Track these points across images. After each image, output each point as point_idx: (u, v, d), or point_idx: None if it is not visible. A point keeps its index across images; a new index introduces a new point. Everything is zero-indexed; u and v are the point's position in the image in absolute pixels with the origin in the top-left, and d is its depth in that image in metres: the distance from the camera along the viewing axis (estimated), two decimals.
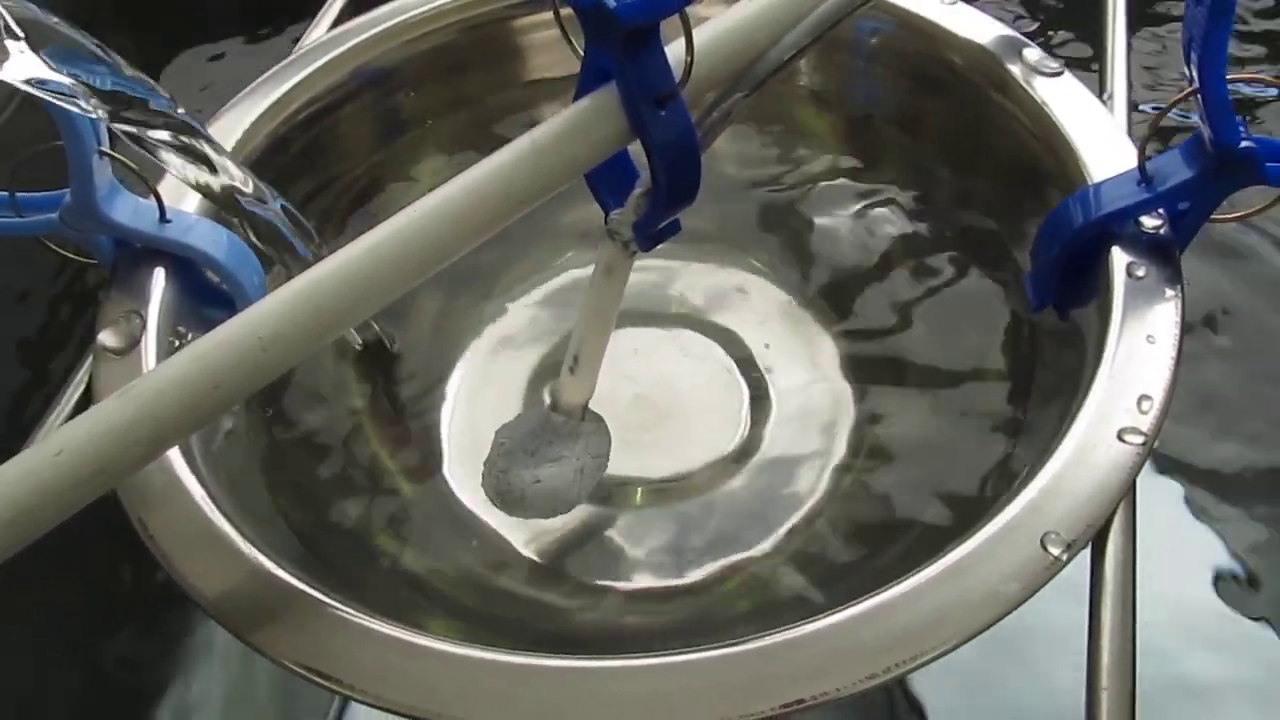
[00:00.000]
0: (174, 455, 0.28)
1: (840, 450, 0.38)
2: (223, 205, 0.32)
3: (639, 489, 0.38)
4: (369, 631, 0.25)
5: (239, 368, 0.25)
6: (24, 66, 0.25)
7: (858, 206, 0.43)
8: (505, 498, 0.36)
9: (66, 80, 0.26)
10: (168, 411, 0.24)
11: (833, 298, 0.42)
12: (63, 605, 0.47)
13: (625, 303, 0.33)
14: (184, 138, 0.30)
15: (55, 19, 0.27)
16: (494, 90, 0.44)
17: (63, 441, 0.24)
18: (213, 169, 0.30)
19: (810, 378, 0.40)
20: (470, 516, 0.36)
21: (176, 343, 0.32)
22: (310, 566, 0.28)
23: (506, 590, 0.34)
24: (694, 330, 0.42)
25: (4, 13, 0.25)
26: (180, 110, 0.30)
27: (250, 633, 0.25)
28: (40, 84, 0.26)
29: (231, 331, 0.25)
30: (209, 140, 0.31)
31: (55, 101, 0.27)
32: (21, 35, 0.25)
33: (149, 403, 0.24)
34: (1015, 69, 0.36)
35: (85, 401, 0.32)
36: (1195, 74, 0.28)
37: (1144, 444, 0.27)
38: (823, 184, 0.44)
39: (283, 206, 0.33)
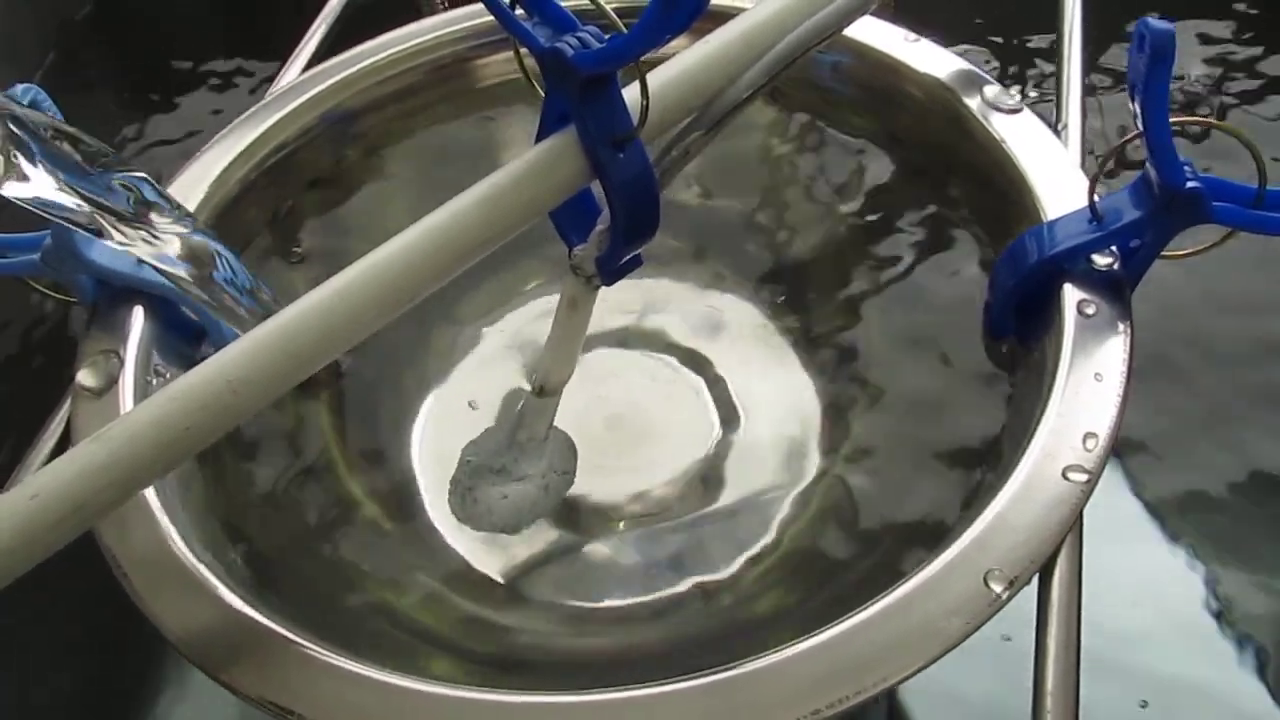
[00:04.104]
0: (148, 492, 0.29)
1: (808, 474, 0.38)
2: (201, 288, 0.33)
3: (611, 512, 0.38)
4: (335, 669, 0.26)
5: (210, 410, 0.26)
6: (30, 187, 0.26)
7: (831, 221, 0.44)
8: (472, 514, 0.36)
9: (69, 202, 0.27)
10: (141, 454, 0.25)
11: (804, 318, 0.43)
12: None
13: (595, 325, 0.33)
14: (180, 227, 0.31)
15: (48, 123, 0.28)
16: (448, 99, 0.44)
17: (38, 485, 0.25)
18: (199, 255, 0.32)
19: (780, 399, 0.41)
20: (442, 542, 0.37)
21: (154, 381, 0.33)
22: (278, 602, 0.28)
23: (478, 614, 0.35)
24: (666, 353, 0.43)
25: (14, 129, 0.26)
26: (179, 208, 0.31)
27: (218, 669, 0.26)
28: (42, 204, 0.27)
29: (203, 375, 0.26)
30: (200, 229, 0.32)
31: (59, 221, 0.28)
32: (35, 152, 0.26)
33: (122, 446, 0.25)
34: (974, 104, 0.36)
35: (65, 439, 0.32)
36: (1139, 115, 0.29)
37: (1088, 482, 0.27)
38: (795, 196, 0.45)
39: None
